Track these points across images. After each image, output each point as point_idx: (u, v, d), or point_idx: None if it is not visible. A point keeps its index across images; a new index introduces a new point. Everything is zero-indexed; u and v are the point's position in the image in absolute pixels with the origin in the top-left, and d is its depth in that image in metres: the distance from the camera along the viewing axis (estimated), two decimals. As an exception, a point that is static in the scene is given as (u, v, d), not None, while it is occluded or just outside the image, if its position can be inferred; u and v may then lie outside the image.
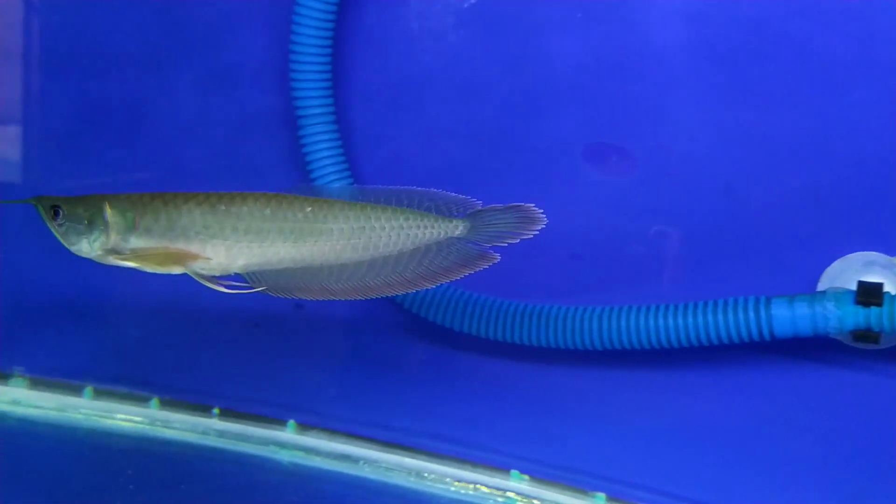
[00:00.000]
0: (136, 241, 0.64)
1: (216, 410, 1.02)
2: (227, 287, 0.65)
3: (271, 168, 0.99)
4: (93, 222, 0.64)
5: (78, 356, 1.05)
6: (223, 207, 0.64)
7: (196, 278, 0.65)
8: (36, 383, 1.06)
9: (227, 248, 0.64)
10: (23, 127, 1.04)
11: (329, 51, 0.90)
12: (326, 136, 0.91)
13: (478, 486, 0.95)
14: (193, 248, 0.64)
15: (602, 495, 0.93)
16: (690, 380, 0.92)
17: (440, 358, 0.99)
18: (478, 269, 0.65)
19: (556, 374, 0.95)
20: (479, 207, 0.65)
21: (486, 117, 0.92)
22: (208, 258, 0.64)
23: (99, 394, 1.04)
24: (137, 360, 1.04)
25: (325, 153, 0.91)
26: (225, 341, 1.02)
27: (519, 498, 0.94)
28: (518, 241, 0.64)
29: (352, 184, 0.92)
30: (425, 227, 0.64)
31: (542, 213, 0.64)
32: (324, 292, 0.65)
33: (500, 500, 0.94)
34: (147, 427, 1.01)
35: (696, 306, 0.85)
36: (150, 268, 0.64)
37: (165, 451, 0.97)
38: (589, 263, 0.92)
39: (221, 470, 0.94)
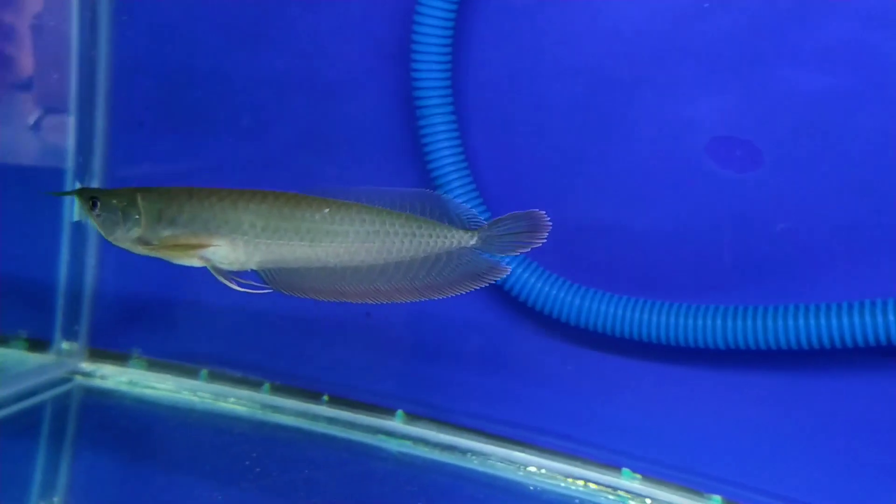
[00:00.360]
0: (163, 232, 0.67)
1: (325, 398, 1.03)
2: (240, 285, 0.67)
3: (387, 156, 0.99)
4: (127, 213, 0.67)
5: (194, 340, 1.08)
6: (243, 204, 0.66)
7: (214, 273, 0.67)
8: (153, 365, 1.09)
9: (244, 243, 0.66)
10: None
11: (450, 41, 0.90)
12: (445, 126, 0.91)
13: (588, 482, 0.94)
14: (214, 241, 0.66)
15: (718, 497, 0.91)
16: (810, 383, 0.90)
17: (550, 353, 0.98)
18: (489, 282, 0.64)
19: (669, 372, 0.94)
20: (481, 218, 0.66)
21: (606, 109, 0.91)
22: (226, 251, 0.66)
23: (214, 377, 1.06)
24: (251, 346, 1.06)
25: (444, 143, 0.91)
26: (336, 329, 1.03)
27: (630, 496, 0.92)
28: (529, 249, 0.63)
29: (468, 173, 0.92)
30: (438, 236, 0.65)
31: (549, 220, 0.63)
32: (336, 294, 0.66)
33: (611, 497, 0.93)
34: (259, 411, 1.03)
35: (828, 308, 0.82)
36: (175, 259, 0.67)
37: (279, 435, 0.98)
38: (713, 261, 0.90)
39: (337, 457, 0.94)
